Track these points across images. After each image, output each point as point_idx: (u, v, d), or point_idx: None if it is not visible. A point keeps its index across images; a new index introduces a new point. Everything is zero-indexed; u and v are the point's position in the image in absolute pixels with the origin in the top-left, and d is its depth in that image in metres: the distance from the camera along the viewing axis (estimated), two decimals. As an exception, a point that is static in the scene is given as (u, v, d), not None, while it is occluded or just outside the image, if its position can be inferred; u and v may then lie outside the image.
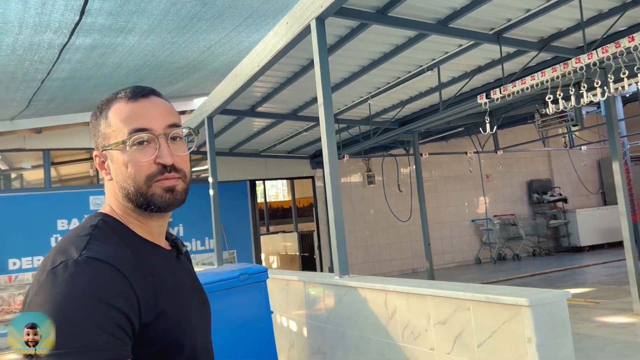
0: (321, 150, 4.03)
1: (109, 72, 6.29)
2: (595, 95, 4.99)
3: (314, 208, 11.75)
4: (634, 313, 5.91)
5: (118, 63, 5.96)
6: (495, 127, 6.40)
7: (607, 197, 14.17)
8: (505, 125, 9.89)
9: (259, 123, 8.54)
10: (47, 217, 8.78)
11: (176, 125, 1.13)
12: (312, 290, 4.19)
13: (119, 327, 0.91)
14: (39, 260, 8.55)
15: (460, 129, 10.55)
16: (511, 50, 6.07)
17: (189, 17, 4.81)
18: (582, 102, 5.15)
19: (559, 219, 13.38)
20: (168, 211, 1.13)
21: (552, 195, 13.59)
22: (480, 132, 6.35)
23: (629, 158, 9.68)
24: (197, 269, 1.40)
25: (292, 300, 4.54)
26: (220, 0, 4.50)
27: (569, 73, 4.96)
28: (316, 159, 11.39)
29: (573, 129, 10.30)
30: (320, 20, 4.03)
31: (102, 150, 1.12)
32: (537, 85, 5.30)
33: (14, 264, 8.50)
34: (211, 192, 6.82)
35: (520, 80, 5.52)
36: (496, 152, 11.37)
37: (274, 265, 13.13)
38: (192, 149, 1.19)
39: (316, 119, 7.46)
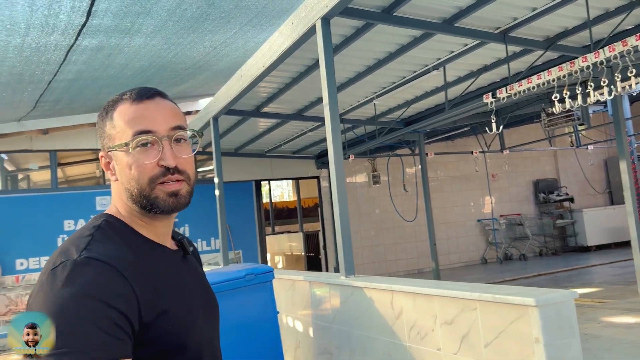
0: (326, 150, 4.03)
1: (115, 73, 6.32)
2: (602, 94, 4.95)
3: (319, 208, 11.74)
4: (641, 313, 5.89)
5: (124, 64, 5.98)
6: (501, 127, 6.38)
7: (614, 197, 14.10)
8: (512, 124, 9.85)
9: (264, 123, 8.54)
10: (54, 217, 8.83)
11: (180, 127, 1.12)
12: (318, 291, 4.19)
13: (118, 327, 0.91)
14: (45, 260, 8.53)
15: (466, 129, 10.53)
16: (517, 49, 6.05)
17: (195, 18, 4.82)
18: (588, 101, 5.13)
19: (565, 219, 13.31)
20: (172, 214, 1.13)
21: (558, 195, 13.53)
22: (486, 132, 6.31)
23: (636, 157, 9.61)
24: (203, 268, 1.40)
25: (298, 300, 4.53)
26: (226, 1, 4.51)
27: (576, 72, 4.93)
28: (321, 159, 11.39)
29: (579, 128, 10.26)
30: (326, 20, 4.03)
31: (108, 151, 1.13)
32: (543, 84, 5.28)
33: (21, 264, 8.56)
34: (217, 192, 6.84)
35: (526, 79, 5.49)
36: (502, 152, 11.32)
37: (280, 265, 13.15)
38: (196, 151, 1.18)
39: (321, 119, 7.46)
